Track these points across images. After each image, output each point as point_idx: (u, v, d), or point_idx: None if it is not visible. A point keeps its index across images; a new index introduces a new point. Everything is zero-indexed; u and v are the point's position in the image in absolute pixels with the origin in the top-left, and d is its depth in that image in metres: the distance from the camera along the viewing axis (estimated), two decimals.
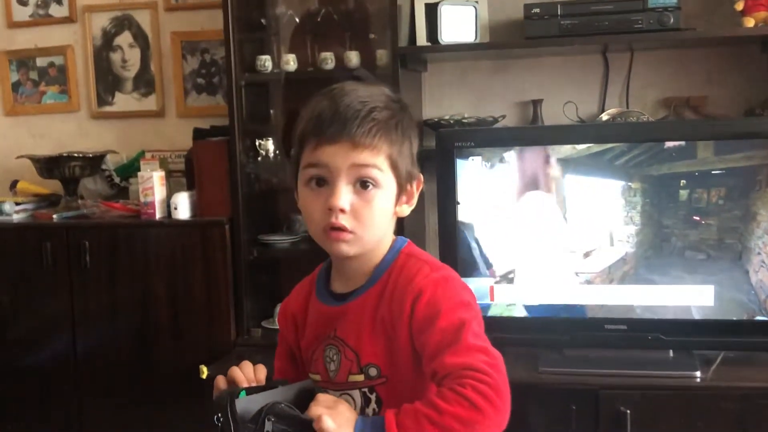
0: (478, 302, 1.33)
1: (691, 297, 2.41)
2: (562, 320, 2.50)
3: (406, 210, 1.38)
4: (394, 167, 1.31)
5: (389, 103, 1.33)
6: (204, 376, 2.75)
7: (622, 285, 2.45)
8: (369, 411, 1.33)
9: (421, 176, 1.39)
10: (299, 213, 3.21)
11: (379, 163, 1.29)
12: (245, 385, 1.30)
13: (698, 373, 2.38)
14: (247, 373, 1.33)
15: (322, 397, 1.22)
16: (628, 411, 2.34)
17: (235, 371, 1.32)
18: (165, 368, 3.04)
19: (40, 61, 3.55)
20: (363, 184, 1.29)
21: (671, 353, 2.47)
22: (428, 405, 1.17)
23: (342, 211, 1.28)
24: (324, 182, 1.30)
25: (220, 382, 1.33)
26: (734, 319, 2.40)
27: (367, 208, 1.30)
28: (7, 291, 3.16)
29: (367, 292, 1.35)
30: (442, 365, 1.20)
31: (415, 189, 1.38)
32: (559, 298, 2.49)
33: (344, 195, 1.28)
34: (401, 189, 1.34)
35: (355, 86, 1.34)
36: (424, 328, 1.25)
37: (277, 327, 3.07)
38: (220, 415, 1.20)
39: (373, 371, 1.32)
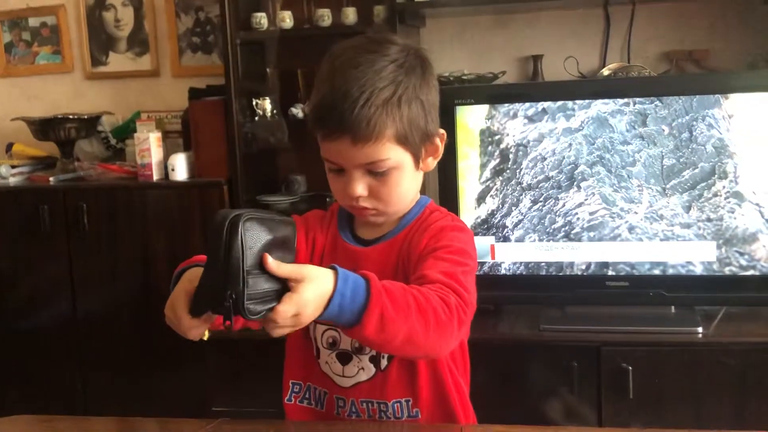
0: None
1: (693, 252, 2.40)
2: (563, 278, 2.49)
3: (431, 164, 1.40)
4: (404, 143, 1.30)
5: (392, 72, 1.29)
6: (206, 338, 2.75)
7: (624, 241, 2.43)
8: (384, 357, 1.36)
9: (442, 131, 1.38)
10: (298, 173, 3.24)
11: (383, 153, 1.29)
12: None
13: (700, 329, 2.37)
14: None
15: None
16: (630, 367, 2.34)
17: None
18: (166, 330, 3.03)
19: (33, 21, 3.50)
20: (372, 171, 1.31)
21: (673, 309, 2.47)
22: (417, 290, 1.19)
23: (360, 196, 1.32)
24: (341, 170, 1.32)
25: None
26: (736, 274, 2.39)
27: (385, 189, 1.32)
28: (5, 255, 3.15)
29: (392, 238, 1.39)
30: (432, 274, 1.25)
31: (439, 143, 1.38)
32: (559, 256, 2.48)
33: (358, 184, 1.31)
34: (418, 156, 1.34)
35: (357, 56, 1.29)
36: (428, 253, 1.31)
37: None
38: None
39: None
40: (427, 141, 1.35)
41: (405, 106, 1.28)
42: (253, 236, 1.10)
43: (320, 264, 1.34)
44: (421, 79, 1.32)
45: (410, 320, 1.15)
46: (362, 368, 1.37)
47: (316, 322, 1.19)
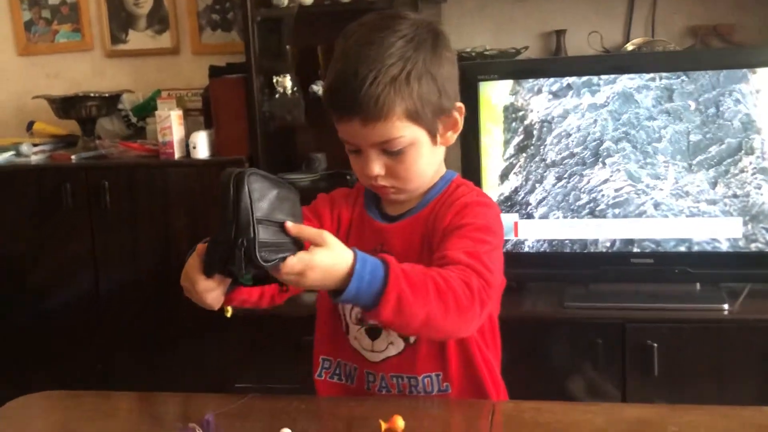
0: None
1: (719, 229, 2.38)
2: (588, 255, 2.48)
3: (452, 138, 1.38)
4: (416, 119, 1.29)
5: (400, 48, 1.28)
6: (229, 315, 2.76)
7: (649, 218, 2.41)
8: None
9: (459, 103, 1.36)
10: (318, 151, 3.23)
11: (396, 131, 1.28)
12: None
13: (725, 306, 2.36)
14: None
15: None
16: (655, 345, 2.34)
17: None
18: (188, 307, 3.04)
19: None
20: (387, 150, 1.31)
21: (698, 286, 2.45)
22: (437, 273, 1.19)
23: (378, 176, 1.32)
24: (359, 150, 1.32)
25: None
26: (762, 250, 2.37)
27: (402, 167, 1.32)
28: (27, 233, 3.16)
29: (417, 213, 1.39)
30: (450, 256, 1.23)
31: (458, 116, 1.36)
32: (584, 233, 2.47)
33: (375, 164, 1.31)
34: (434, 131, 1.33)
35: (368, 35, 1.29)
36: (452, 231, 1.29)
37: None
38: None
39: None
40: (443, 115, 1.33)
41: (415, 82, 1.27)
42: (259, 188, 1.11)
43: (346, 240, 1.34)
44: (431, 53, 1.31)
45: (429, 304, 1.15)
46: (391, 343, 1.37)
47: (335, 302, 1.19)
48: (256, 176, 1.11)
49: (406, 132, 1.29)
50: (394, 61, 1.26)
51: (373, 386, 1.39)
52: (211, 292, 1.20)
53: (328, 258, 1.13)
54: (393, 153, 1.30)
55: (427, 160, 1.34)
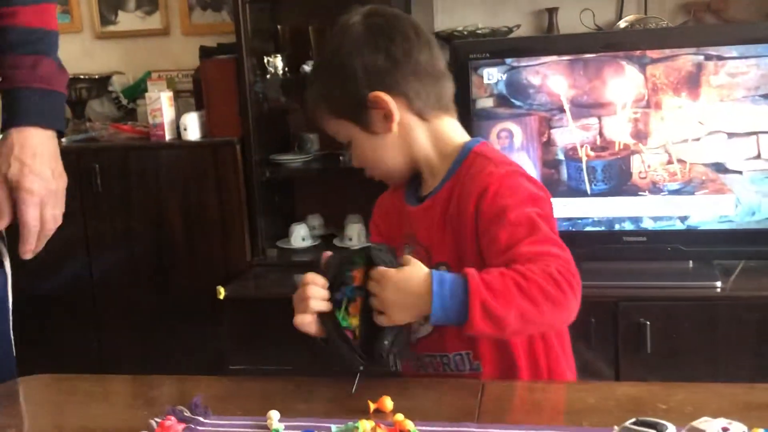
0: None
1: (712, 207, 2.38)
2: (581, 233, 2.48)
3: (394, 126, 1.36)
4: (340, 115, 1.37)
5: (334, 46, 1.38)
6: (221, 297, 2.76)
7: (640, 196, 2.41)
8: None
9: (376, 94, 1.34)
10: (310, 132, 3.22)
11: (331, 128, 1.40)
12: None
13: (718, 284, 2.36)
14: None
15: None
16: (648, 323, 2.34)
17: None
18: (181, 290, 3.05)
19: None
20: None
21: (691, 264, 2.45)
22: (513, 270, 1.16)
23: (359, 167, 1.43)
24: None
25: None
26: (755, 228, 2.37)
27: (362, 156, 1.40)
28: None
29: (438, 192, 1.37)
30: (519, 253, 1.19)
31: (383, 105, 1.34)
32: (576, 211, 2.46)
33: (352, 157, 1.43)
34: (364, 123, 1.36)
35: (332, 37, 1.41)
36: (492, 224, 1.25)
37: (293, 246, 3.10)
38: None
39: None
40: (365, 105, 1.34)
41: (331, 80, 1.37)
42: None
43: (389, 228, 1.47)
44: (355, 46, 1.35)
45: (515, 303, 1.14)
46: (421, 324, 1.34)
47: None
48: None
49: (340, 128, 1.39)
50: (325, 64, 1.43)
51: (417, 366, 1.40)
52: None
53: (399, 273, 1.19)
54: (349, 145, 1.40)
55: (375, 149, 1.38)
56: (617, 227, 2.45)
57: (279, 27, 3.10)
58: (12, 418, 1.28)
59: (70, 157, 3.04)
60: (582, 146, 2.42)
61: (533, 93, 2.44)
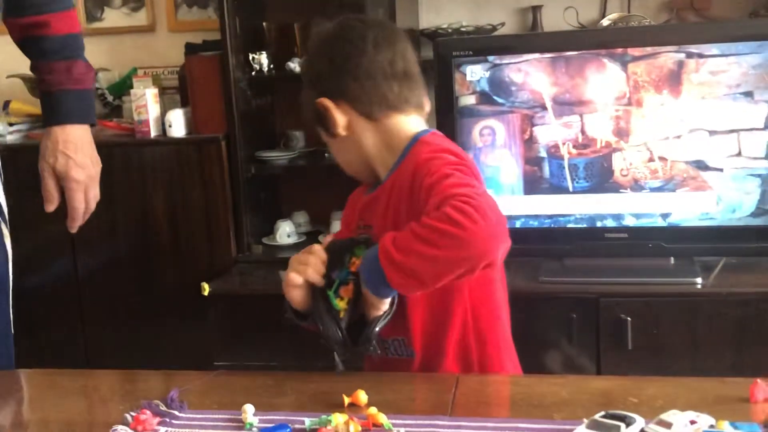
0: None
1: (693, 204, 2.40)
2: (563, 230, 2.49)
3: (342, 130, 1.44)
4: (311, 120, 1.47)
5: (306, 59, 1.57)
6: (206, 293, 2.77)
7: (622, 193, 2.42)
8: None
9: (322, 99, 1.43)
10: (296, 129, 3.22)
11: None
12: None
13: (699, 280, 2.38)
14: None
15: None
16: (629, 318, 2.35)
17: None
18: (166, 286, 3.05)
19: None
20: None
21: (672, 261, 2.47)
22: (414, 223, 1.21)
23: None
24: None
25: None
26: (736, 225, 2.39)
27: (334, 156, 1.53)
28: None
29: (385, 182, 1.43)
30: (428, 208, 1.23)
31: (329, 112, 1.43)
32: (558, 208, 2.48)
33: None
34: (325, 127, 1.45)
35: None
36: (426, 197, 1.27)
37: (278, 243, 3.10)
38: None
39: None
40: (318, 111, 1.43)
41: (306, 88, 1.48)
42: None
43: (351, 217, 1.55)
44: (310, 54, 1.53)
45: (414, 248, 1.18)
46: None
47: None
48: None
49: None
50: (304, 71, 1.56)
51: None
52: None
53: None
54: None
55: (337, 150, 1.50)
56: (599, 224, 2.46)
57: (265, 24, 3.10)
58: None
59: None
60: (564, 144, 2.44)
61: (515, 90, 2.45)
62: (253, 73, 3.00)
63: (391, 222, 1.37)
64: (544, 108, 2.43)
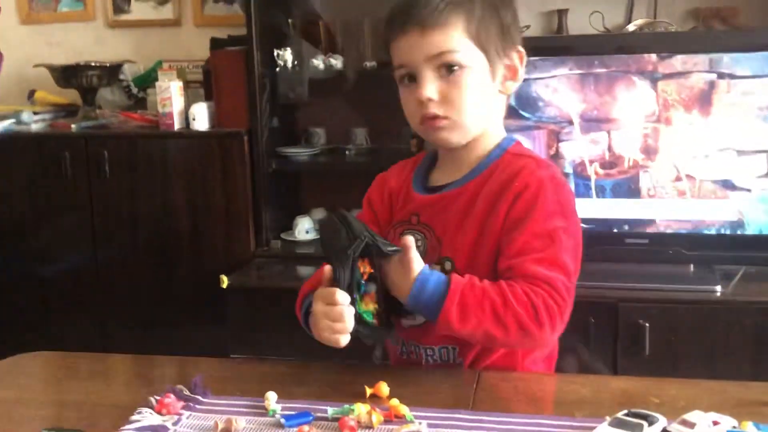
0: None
1: (713, 211, 2.39)
2: (583, 234, 2.48)
3: (511, 87, 1.33)
4: (476, 39, 1.27)
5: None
6: (224, 286, 2.78)
7: (644, 199, 2.42)
8: None
9: (521, 48, 1.32)
10: (318, 125, 3.23)
11: (454, 44, 1.26)
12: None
13: (718, 288, 2.37)
14: None
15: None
16: (647, 324, 2.35)
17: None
18: (185, 278, 3.07)
19: None
20: (448, 68, 1.26)
21: (692, 268, 2.46)
22: (497, 292, 1.17)
23: (430, 100, 1.27)
24: (413, 77, 1.29)
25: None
26: (757, 234, 2.38)
27: (457, 92, 1.27)
28: (27, 201, 3.17)
29: (465, 185, 1.33)
30: (521, 266, 1.20)
31: (518, 62, 1.32)
32: (579, 212, 2.47)
33: (429, 85, 1.27)
34: (494, 64, 1.29)
35: None
36: (516, 225, 1.24)
37: (297, 239, 3.10)
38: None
39: (448, 265, 1.30)
40: (504, 50, 1.30)
41: (479, 7, 1.27)
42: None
43: (390, 211, 1.41)
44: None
45: (484, 326, 1.16)
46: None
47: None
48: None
49: (465, 48, 1.26)
50: None
51: (402, 352, 1.39)
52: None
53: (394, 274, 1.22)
54: (449, 73, 1.26)
55: (482, 93, 1.29)
56: (619, 229, 2.45)
57: (290, 21, 3.11)
58: (13, 391, 1.30)
59: (79, 143, 3.09)
60: (591, 163, 2.44)
61: (542, 106, 2.45)
62: (277, 69, 3.01)
63: (465, 230, 1.29)
64: (570, 123, 2.43)
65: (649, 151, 2.39)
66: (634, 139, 2.39)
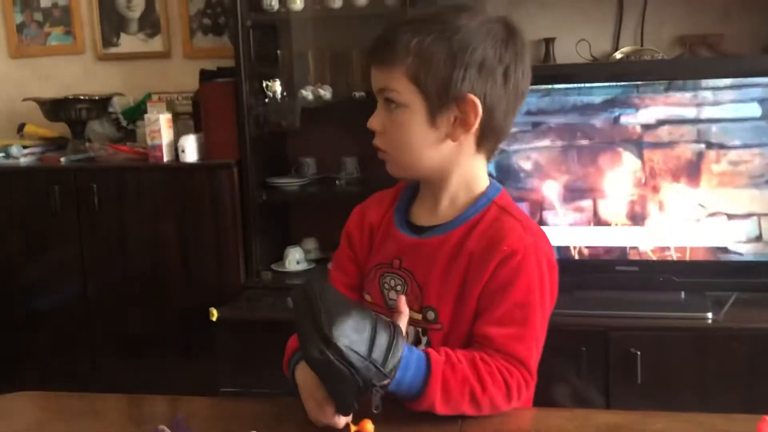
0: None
1: (704, 238, 2.39)
2: (573, 262, 2.48)
3: (460, 136, 1.27)
4: (416, 81, 1.24)
5: (445, 21, 1.25)
6: (214, 319, 2.77)
7: (634, 227, 2.42)
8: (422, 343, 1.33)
9: (474, 98, 1.24)
10: (308, 156, 3.23)
11: (393, 82, 1.26)
12: None
13: (710, 315, 2.36)
14: None
15: None
16: (639, 352, 2.34)
17: None
18: (175, 311, 3.05)
19: (44, 2, 3.49)
20: (388, 103, 1.28)
21: (683, 295, 2.45)
22: (477, 377, 1.20)
23: (374, 130, 1.30)
24: None
25: None
26: (748, 260, 2.37)
27: (393, 128, 1.28)
28: (16, 235, 3.16)
29: (449, 232, 1.31)
30: (500, 339, 1.24)
31: (469, 112, 1.25)
32: (569, 240, 2.47)
33: (376, 116, 1.30)
34: (433, 108, 1.25)
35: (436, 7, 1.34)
36: (499, 289, 1.25)
37: (288, 269, 3.09)
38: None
39: (431, 315, 1.30)
40: (448, 98, 1.24)
41: (432, 45, 1.23)
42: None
43: (369, 247, 1.39)
44: (473, 36, 1.24)
45: (462, 408, 1.21)
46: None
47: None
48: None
49: (404, 89, 1.25)
50: (430, 22, 1.26)
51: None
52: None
53: None
54: (391, 108, 1.27)
55: (419, 136, 1.27)
56: (610, 257, 2.45)
57: (279, 52, 3.13)
58: None
59: (68, 177, 3.09)
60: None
61: (524, 177, 2.46)
62: (267, 100, 3.02)
63: (449, 280, 1.28)
64: (552, 197, 2.46)
65: (636, 218, 2.41)
66: (620, 208, 2.43)
